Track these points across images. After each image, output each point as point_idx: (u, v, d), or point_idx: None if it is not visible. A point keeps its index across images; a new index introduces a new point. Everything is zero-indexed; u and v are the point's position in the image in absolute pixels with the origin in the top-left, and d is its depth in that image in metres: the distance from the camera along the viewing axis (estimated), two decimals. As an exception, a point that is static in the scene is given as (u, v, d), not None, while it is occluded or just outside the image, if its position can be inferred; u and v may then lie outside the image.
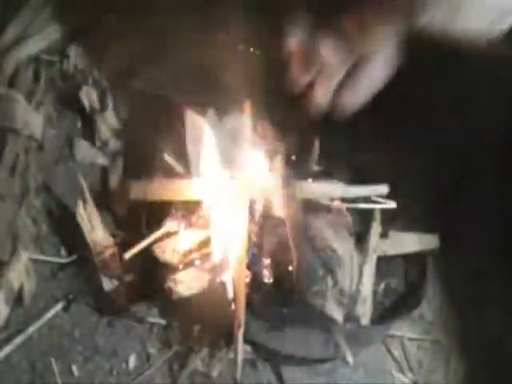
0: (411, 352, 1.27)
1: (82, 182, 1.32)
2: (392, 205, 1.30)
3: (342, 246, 1.27)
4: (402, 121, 1.33)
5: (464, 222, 1.32)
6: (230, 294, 1.12)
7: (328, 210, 1.28)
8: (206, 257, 1.17)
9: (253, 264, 1.17)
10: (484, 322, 1.26)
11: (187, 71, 1.42)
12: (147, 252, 1.17)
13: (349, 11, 1.02)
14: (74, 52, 1.49)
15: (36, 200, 1.33)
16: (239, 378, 1.10)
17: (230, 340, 1.12)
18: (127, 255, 1.17)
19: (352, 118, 1.13)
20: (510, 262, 1.27)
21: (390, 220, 1.32)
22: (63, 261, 1.28)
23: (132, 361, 1.19)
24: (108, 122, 1.42)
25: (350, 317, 1.21)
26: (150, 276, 1.20)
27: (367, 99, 1.11)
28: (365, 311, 1.24)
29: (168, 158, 1.28)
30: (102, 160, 1.39)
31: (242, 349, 1.10)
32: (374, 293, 1.28)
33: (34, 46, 1.50)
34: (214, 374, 1.18)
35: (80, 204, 1.28)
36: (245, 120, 1.27)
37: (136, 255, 1.18)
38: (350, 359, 1.16)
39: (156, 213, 1.25)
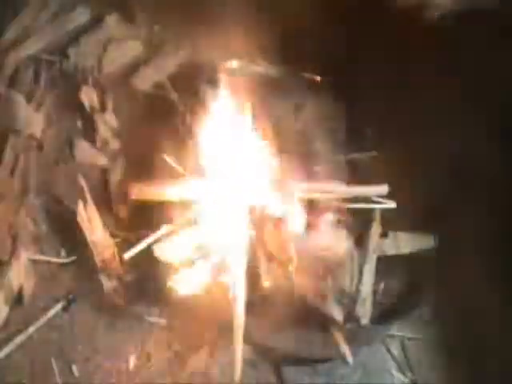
0: (411, 352, 1.27)
1: (82, 182, 1.32)
2: (392, 205, 1.30)
3: (342, 246, 1.27)
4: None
5: (464, 222, 1.32)
6: (230, 294, 1.12)
7: (328, 209, 1.28)
8: (206, 257, 1.17)
9: (252, 264, 1.17)
10: (484, 322, 1.26)
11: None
12: (147, 252, 1.17)
13: None
14: (74, 52, 1.49)
15: (36, 200, 1.33)
16: (239, 378, 1.10)
17: (229, 340, 1.12)
18: (127, 255, 1.17)
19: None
20: (509, 262, 1.27)
21: (390, 220, 1.32)
22: (63, 261, 1.28)
23: (132, 361, 1.19)
24: (108, 122, 1.42)
25: (350, 317, 1.21)
26: (150, 276, 1.20)
27: None
28: (365, 311, 1.24)
29: (168, 158, 1.28)
30: (102, 160, 1.40)
31: (241, 349, 1.10)
32: (374, 293, 1.28)
33: (34, 45, 1.50)
34: (214, 374, 1.18)
35: (80, 204, 1.28)
36: (245, 120, 1.27)
37: (136, 255, 1.18)
38: (349, 359, 1.16)
39: (156, 213, 1.25)
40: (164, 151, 1.28)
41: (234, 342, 1.10)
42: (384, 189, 1.30)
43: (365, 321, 1.23)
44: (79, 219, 1.26)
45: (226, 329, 1.12)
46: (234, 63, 1.45)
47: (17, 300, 1.20)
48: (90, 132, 1.41)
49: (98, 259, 1.23)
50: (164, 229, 1.20)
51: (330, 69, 1.45)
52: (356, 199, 1.30)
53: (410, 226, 1.32)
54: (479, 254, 1.28)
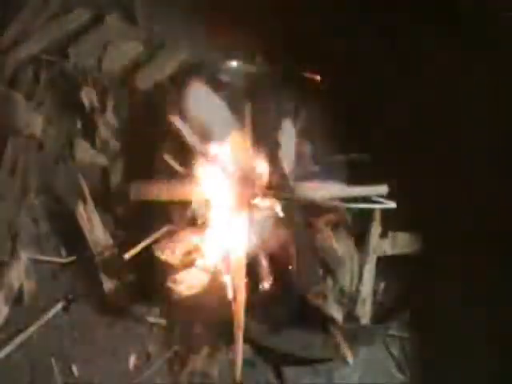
0: (411, 352, 1.27)
1: (82, 182, 1.32)
2: (392, 205, 1.30)
3: (342, 246, 1.27)
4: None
5: (463, 222, 1.32)
6: (230, 294, 1.12)
7: (328, 210, 1.28)
8: (206, 257, 1.17)
9: (252, 264, 1.17)
10: (484, 322, 1.26)
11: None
12: (147, 252, 1.17)
13: None
14: (74, 52, 1.49)
15: (36, 200, 1.33)
16: (239, 378, 1.10)
17: (230, 340, 1.12)
18: (127, 255, 1.17)
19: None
20: (509, 262, 1.28)
21: (390, 220, 1.32)
22: (63, 261, 1.28)
23: (132, 361, 1.19)
24: (108, 122, 1.42)
25: (350, 317, 1.21)
26: (150, 276, 1.20)
27: None
28: (365, 311, 1.24)
29: (168, 158, 1.28)
30: (102, 160, 1.40)
31: (241, 349, 1.10)
32: (374, 293, 1.28)
33: (34, 46, 1.50)
34: (214, 373, 1.18)
35: (80, 204, 1.28)
36: (245, 122, 1.27)
37: (136, 255, 1.18)
38: (349, 359, 1.16)
39: (156, 213, 1.25)
40: (164, 151, 1.28)
41: (234, 342, 1.10)
42: (384, 189, 1.30)
43: (365, 321, 1.23)
44: (79, 219, 1.26)
45: (226, 329, 1.12)
46: (234, 63, 1.45)
47: (17, 300, 1.20)
48: (89, 132, 1.41)
49: (97, 259, 1.23)
50: (164, 229, 1.20)
51: (329, 69, 1.45)
52: (356, 199, 1.30)
53: (409, 226, 1.33)
54: (479, 254, 1.28)
